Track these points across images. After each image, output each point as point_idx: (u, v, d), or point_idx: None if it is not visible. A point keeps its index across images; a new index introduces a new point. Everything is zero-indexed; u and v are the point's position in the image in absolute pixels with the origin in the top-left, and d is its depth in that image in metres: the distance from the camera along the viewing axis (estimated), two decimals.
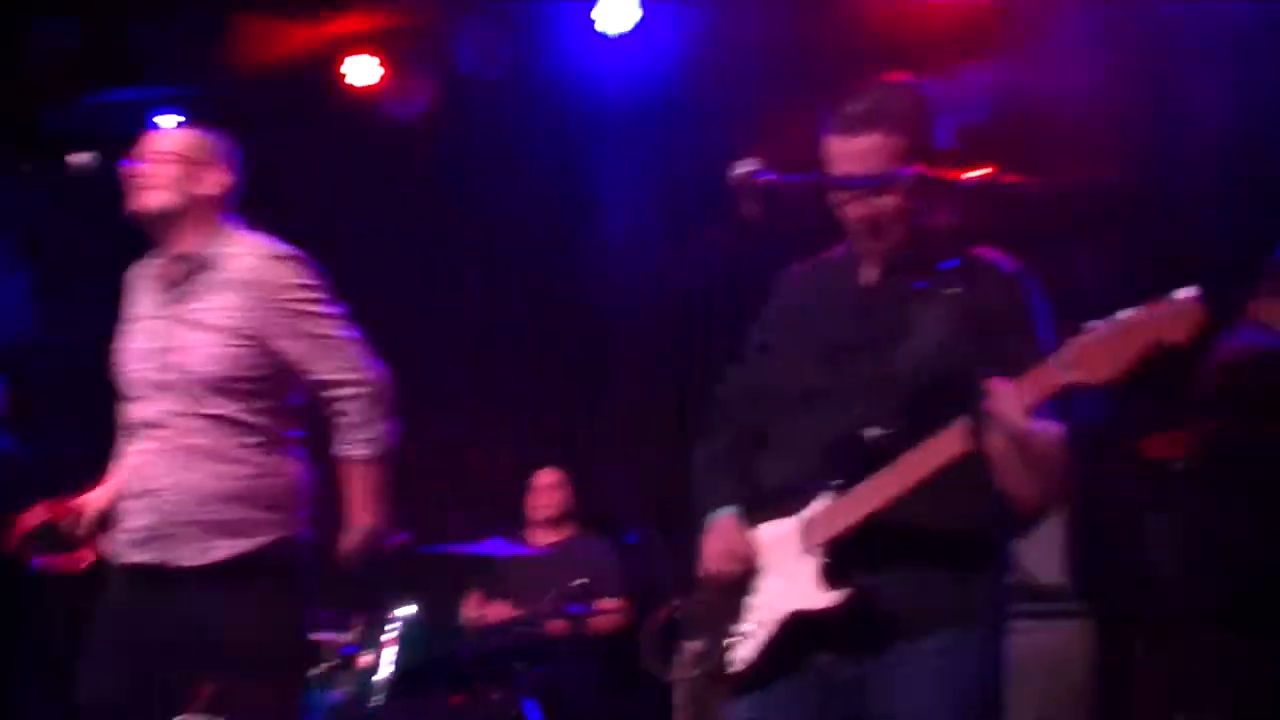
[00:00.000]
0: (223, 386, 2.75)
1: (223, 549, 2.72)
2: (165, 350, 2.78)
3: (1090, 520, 4.17)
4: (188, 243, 2.84)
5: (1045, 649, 3.96)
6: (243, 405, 2.77)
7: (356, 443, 2.86)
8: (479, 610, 4.69)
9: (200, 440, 2.74)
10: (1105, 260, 4.60)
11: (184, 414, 2.75)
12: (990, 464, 1.94)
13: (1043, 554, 4.11)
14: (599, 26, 5.36)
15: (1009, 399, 1.88)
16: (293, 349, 2.79)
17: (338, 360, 2.82)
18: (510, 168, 5.67)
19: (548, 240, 5.73)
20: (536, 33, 5.45)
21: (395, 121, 5.61)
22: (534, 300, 5.77)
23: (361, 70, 5.63)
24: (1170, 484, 4.10)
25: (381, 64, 5.63)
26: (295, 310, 2.80)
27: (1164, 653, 4.08)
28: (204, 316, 2.77)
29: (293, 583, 2.80)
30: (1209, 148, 4.57)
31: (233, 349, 2.75)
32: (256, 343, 2.77)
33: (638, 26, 5.34)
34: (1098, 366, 1.81)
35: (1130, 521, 4.25)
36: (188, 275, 2.82)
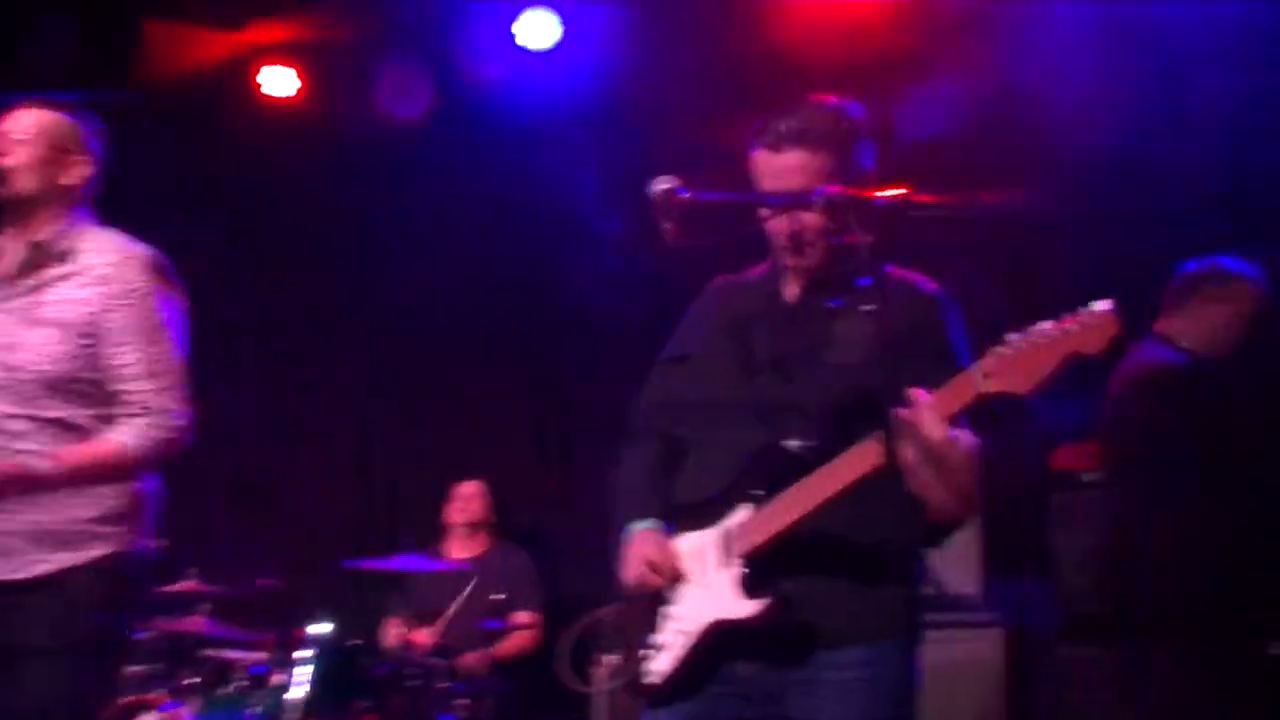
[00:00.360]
0: (61, 388, 2.58)
1: (49, 563, 2.54)
2: (4, 348, 2.60)
3: (1001, 531, 4.25)
4: (41, 231, 2.69)
5: (958, 658, 4.02)
6: (80, 409, 2.60)
7: (122, 436, 2.60)
8: (399, 637, 4.64)
9: (31, 446, 2.55)
10: (1014, 279, 4.72)
11: (15, 416, 2.57)
12: (906, 476, 1.96)
13: (955, 564, 4.18)
14: (520, 41, 5.36)
15: (928, 409, 1.91)
16: (118, 354, 2.61)
17: (150, 383, 2.62)
18: (431, 178, 5.62)
19: (469, 253, 5.69)
20: (458, 47, 5.42)
21: (312, 132, 5.54)
22: (453, 312, 5.71)
23: (277, 81, 5.57)
24: (1079, 494, 4.20)
25: (299, 76, 5.57)
26: (137, 315, 2.62)
27: (1072, 662, 4.16)
28: (51, 312, 2.61)
29: (122, 598, 2.61)
30: (1123, 170, 4.70)
31: (75, 348, 2.58)
32: (98, 343, 2.60)
33: (560, 42, 5.35)
34: (1016, 377, 1.85)
35: (1040, 532, 4.34)
36: (37, 266, 2.66)
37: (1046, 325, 1.82)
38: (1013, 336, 1.85)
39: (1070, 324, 1.81)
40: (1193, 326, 3.51)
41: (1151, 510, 3.41)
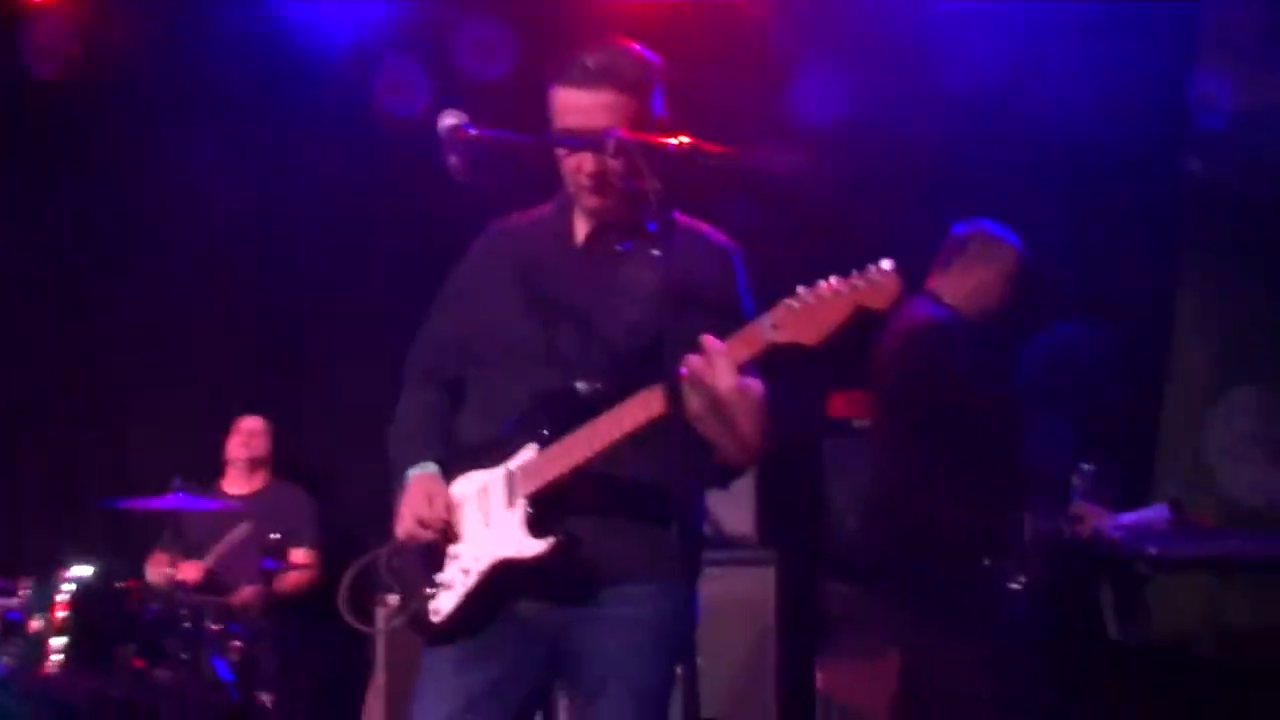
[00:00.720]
0: None
1: None
2: None
3: (775, 474, 4.41)
4: None
5: (732, 595, 4.17)
6: None
7: None
8: (165, 570, 4.46)
9: None
10: (796, 235, 4.87)
11: None
12: (693, 423, 2.00)
13: (731, 506, 4.32)
14: None
15: (720, 355, 1.95)
16: None
17: None
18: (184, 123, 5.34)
19: (234, 191, 5.43)
20: None
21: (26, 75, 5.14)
22: (226, 253, 5.46)
23: None
24: (850, 441, 4.40)
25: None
26: None
27: (838, 599, 4.38)
28: None
29: None
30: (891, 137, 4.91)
31: None
32: None
33: None
34: (804, 329, 1.91)
35: (812, 476, 4.53)
36: None
37: (834, 280, 1.89)
38: (801, 290, 1.91)
39: (857, 280, 1.87)
40: (958, 285, 3.70)
41: (906, 459, 3.59)
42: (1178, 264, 4.90)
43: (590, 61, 2.16)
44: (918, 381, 3.55)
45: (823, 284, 1.90)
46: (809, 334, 1.90)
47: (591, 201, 2.23)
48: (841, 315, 1.88)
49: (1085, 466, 3.71)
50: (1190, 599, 4.33)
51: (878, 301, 1.87)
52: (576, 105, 2.16)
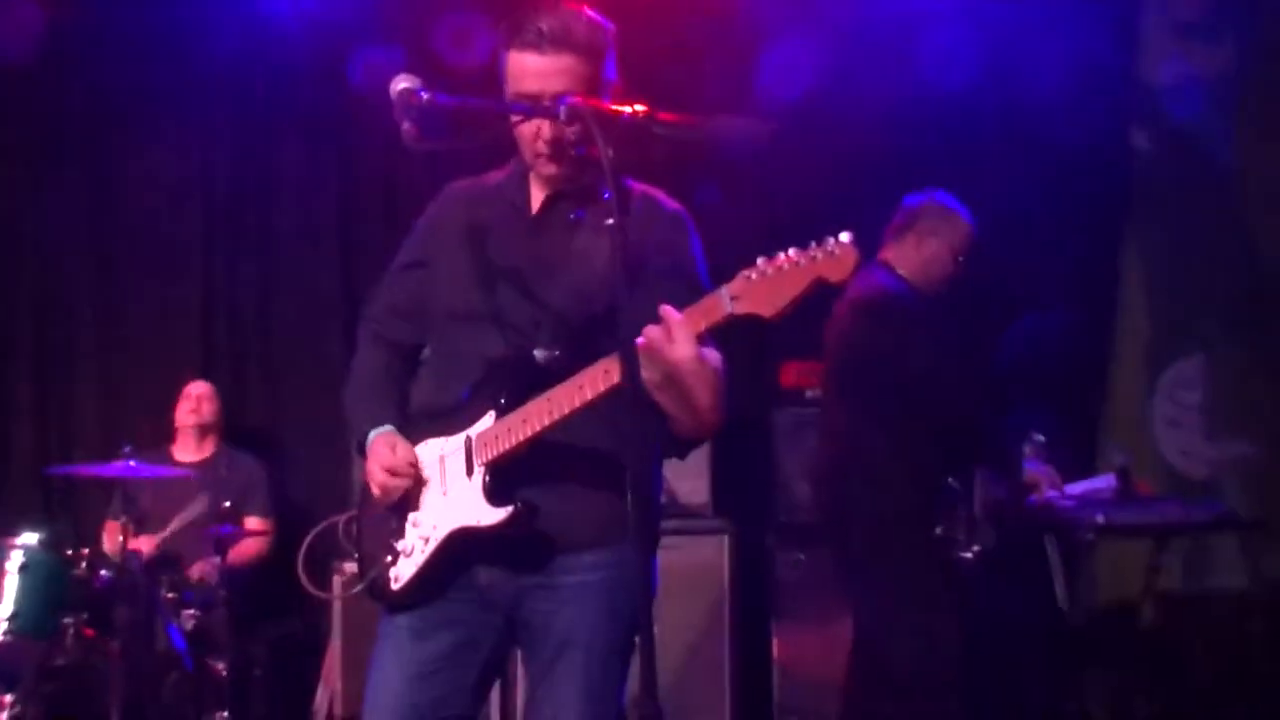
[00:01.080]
0: None
1: None
2: None
3: (729, 444, 4.45)
4: None
5: (687, 563, 4.21)
6: None
7: None
8: (117, 542, 4.42)
9: None
10: (748, 202, 4.89)
11: None
12: (649, 391, 2.00)
13: (686, 475, 4.35)
14: None
15: (679, 326, 1.95)
16: None
17: None
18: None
19: (181, 156, 5.37)
20: None
21: None
22: (174, 217, 5.39)
23: None
24: (803, 411, 4.44)
25: None
26: None
27: (789, 566, 4.43)
28: None
29: None
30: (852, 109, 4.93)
31: None
32: None
33: None
34: (762, 300, 1.90)
35: (766, 445, 4.56)
36: None
37: (792, 252, 1.88)
38: (760, 261, 1.90)
39: (815, 252, 1.87)
40: (911, 257, 3.73)
41: (858, 427, 3.63)
42: (1124, 240, 4.97)
43: (544, 25, 2.13)
44: (869, 351, 3.58)
45: (781, 255, 1.89)
46: (766, 305, 1.90)
47: (548, 168, 2.22)
48: (800, 287, 1.88)
49: (1037, 436, 3.78)
50: (1133, 566, 4.43)
51: (836, 273, 1.86)
52: (533, 70, 2.14)
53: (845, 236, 1.86)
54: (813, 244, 1.88)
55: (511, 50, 2.17)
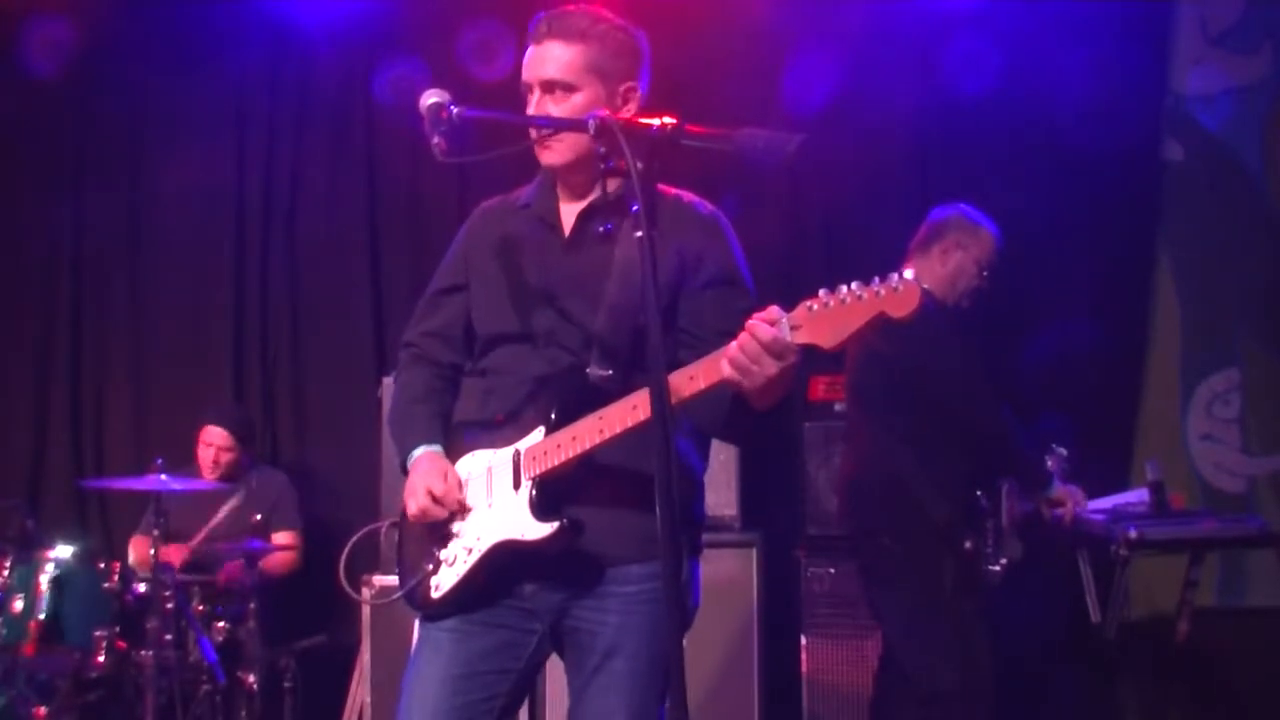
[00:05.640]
0: None
1: None
2: None
3: (757, 458, 4.43)
4: None
5: (716, 576, 4.19)
6: None
7: None
8: (147, 553, 4.44)
9: None
10: (775, 212, 4.88)
11: None
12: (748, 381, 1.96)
13: (714, 489, 4.33)
14: None
15: (764, 348, 1.92)
16: None
17: None
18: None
19: (215, 180, 5.40)
20: None
21: None
22: (204, 238, 5.44)
23: None
24: (830, 424, 4.42)
25: None
26: None
27: (817, 579, 4.40)
28: None
29: None
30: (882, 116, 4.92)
31: None
32: None
33: None
34: (823, 333, 1.90)
35: (794, 459, 4.54)
36: None
37: (855, 286, 1.88)
38: (822, 293, 1.90)
39: (879, 287, 1.86)
40: (937, 270, 3.71)
41: (885, 441, 3.60)
42: (1156, 251, 4.93)
43: (544, 19, 2.22)
44: (895, 364, 3.56)
45: (844, 289, 1.88)
46: (826, 337, 1.90)
47: (564, 184, 2.24)
48: (861, 321, 1.87)
49: (1060, 450, 3.73)
50: (1166, 581, 4.37)
51: (899, 310, 1.85)
52: (527, 60, 2.22)
53: (909, 274, 1.86)
54: (875, 279, 1.88)
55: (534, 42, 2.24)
